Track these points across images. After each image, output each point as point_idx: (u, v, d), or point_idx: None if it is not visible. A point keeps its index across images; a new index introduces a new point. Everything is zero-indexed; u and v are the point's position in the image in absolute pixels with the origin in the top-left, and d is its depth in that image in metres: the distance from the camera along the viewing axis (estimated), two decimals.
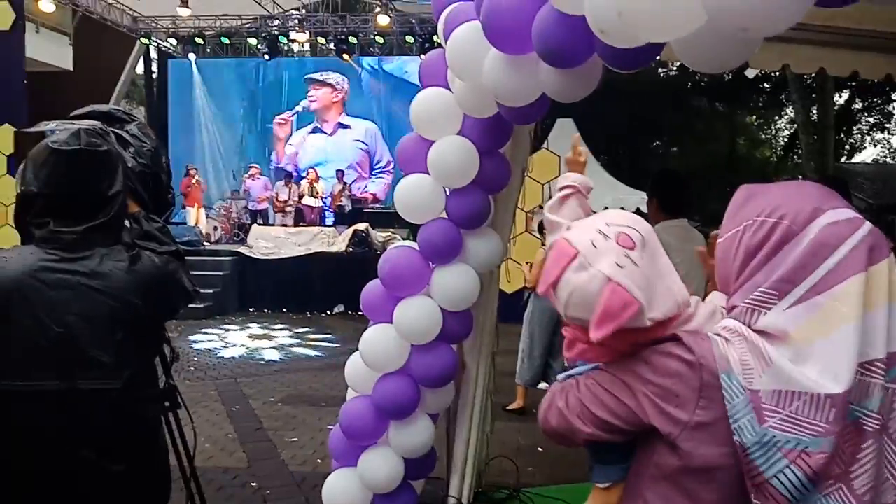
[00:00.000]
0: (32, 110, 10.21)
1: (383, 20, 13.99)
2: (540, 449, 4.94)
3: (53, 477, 1.74)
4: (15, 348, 1.73)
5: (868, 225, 1.08)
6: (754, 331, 1.09)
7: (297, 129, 17.07)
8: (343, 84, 16.64)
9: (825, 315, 1.04)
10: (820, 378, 1.03)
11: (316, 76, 16.77)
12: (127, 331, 1.79)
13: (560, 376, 1.35)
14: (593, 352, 1.23)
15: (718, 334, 1.12)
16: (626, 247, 1.17)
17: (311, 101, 16.82)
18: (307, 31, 15.77)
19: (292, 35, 16.18)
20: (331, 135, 16.90)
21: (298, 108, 16.88)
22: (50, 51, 14.80)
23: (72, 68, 15.50)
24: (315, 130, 17.01)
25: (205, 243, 12.90)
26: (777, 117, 24.56)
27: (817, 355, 1.04)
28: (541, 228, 6.47)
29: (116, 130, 2.07)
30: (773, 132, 26.16)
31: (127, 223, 1.99)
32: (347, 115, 16.81)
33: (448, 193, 3.28)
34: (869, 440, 1.04)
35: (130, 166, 2.03)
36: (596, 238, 1.18)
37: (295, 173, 15.80)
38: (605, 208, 12.24)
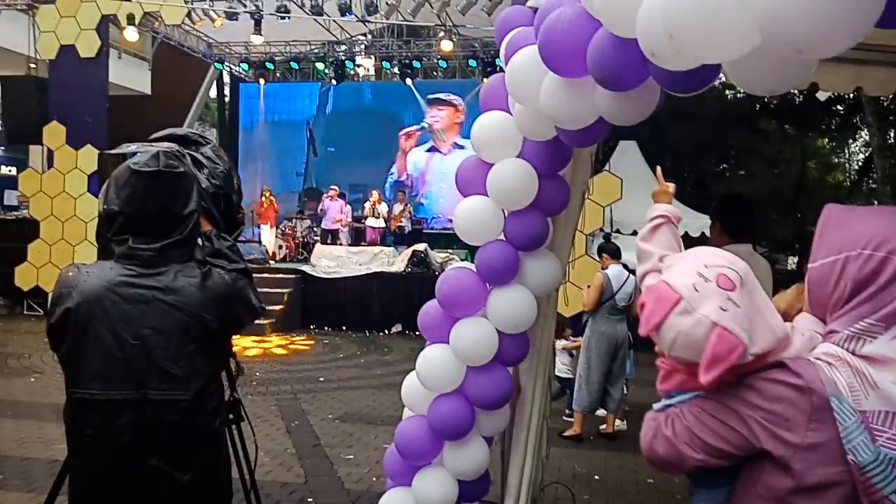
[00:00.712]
0: (112, 132, 10.78)
1: (447, 45, 14.21)
2: (597, 477, 4.85)
3: (124, 482, 1.82)
4: (93, 358, 1.82)
5: None
6: (857, 356, 1.14)
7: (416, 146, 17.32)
8: (462, 105, 16.81)
9: None
10: None
11: (442, 96, 16.90)
12: (197, 344, 1.87)
13: (656, 406, 1.41)
14: (694, 382, 1.25)
15: (820, 359, 1.16)
16: (727, 288, 1.21)
17: (435, 121, 16.99)
18: (373, 56, 16.15)
19: (358, 60, 16.59)
20: (446, 154, 17.06)
21: (424, 125, 17.10)
22: (130, 76, 15.62)
23: (150, 92, 16.30)
24: (431, 150, 17.23)
25: (270, 261, 13.26)
26: (851, 140, 23.64)
27: None
28: (600, 252, 6.40)
29: (192, 153, 2.17)
30: (847, 156, 25.16)
31: (199, 241, 2.09)
32: (462, 136, 16.88)
33: (506, 215, 3.30)
34: None
35: (204, 187, 2.13)
36: (697, 281, 1.22)
37: (410, 188, 16.06)
38: None
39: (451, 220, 14.86)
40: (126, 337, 1.82)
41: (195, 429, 1.87)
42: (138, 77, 16.23)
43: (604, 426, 5.91)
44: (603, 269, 6.03)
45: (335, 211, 14.95)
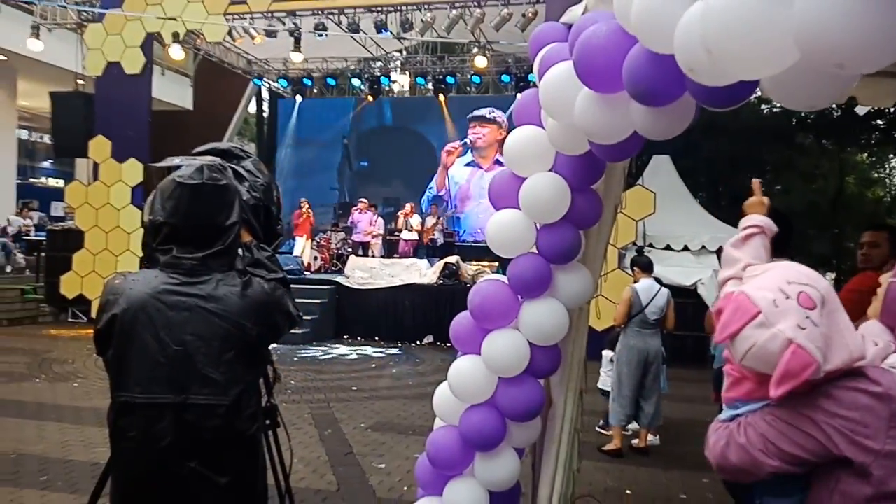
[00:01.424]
0: (155, 146, 11.08)
1: (481, 62, 14.30)
2: (628, 492, 4.80)
3: (164, 484, 1.88)
4: (137, 363, 1.89)
5: None
6: None
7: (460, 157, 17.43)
8: (505, 122, 16.90)
9: None
10: None
11: (485, 113, 17.00)
12: (237, 351, 1.93)
13: (722, 416, 1.42)
14: (763, 391, 1.28)
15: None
16: (807, 307, 1.23)
17: (477, 138, 17.10)
18: (408, 73, 16.33)
19: (393, 76, 16.79)
20: (486, 171, 17.14)
21: (466, 141, 17.24)
22: (173, 91, 16.04)
23: (191, 107, 16.70)
24: (471, 164, 17.34)
25: (305, 272, 13.45)
26: (892, 155, 23.08)
27: None
28: (632, 265, 6.36)
29: (233, 166, 2.25)
30: (888, 171, 24.55)
31: (239, 251, 2.17)
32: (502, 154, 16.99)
33: (538, 228, 3.32)
34: None
35: (245, 199, 2.20)
36: (777, 297, 1.25)
37: (447, 203, 16.24)
38: (702, 247, 11.78)
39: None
40: (169, 342, 1.88)
41: (233, 433, 1.92)
42: (180, 93, 16.66)
43: (636, 441, 5.86)
44: (634, 282, 5.98)
45: (365, 223, 15.13)
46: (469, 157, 17.27)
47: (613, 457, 5.55)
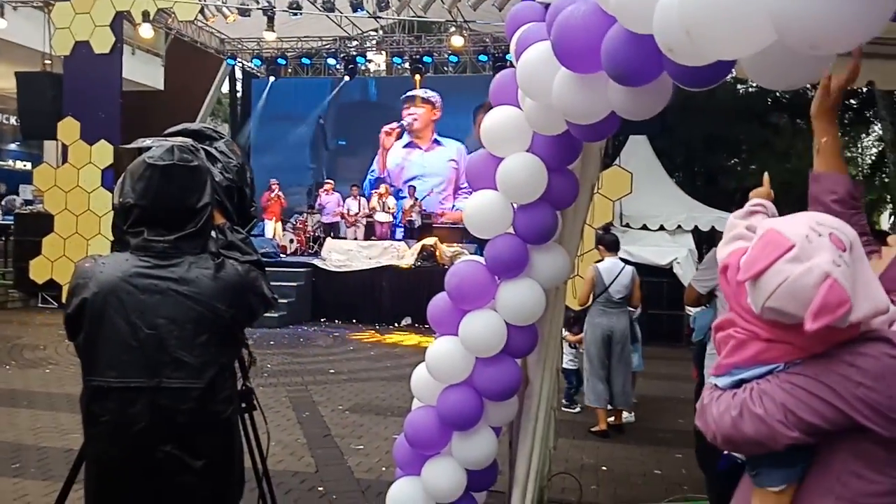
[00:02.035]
0: (125, 127, 10.87)
1: (458, 41, 14.18)
2: (604, 468, 4.88)
3: (139, 468, 1.86)
4: (109, 347, 1.87)
5: None
6: None
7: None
8: (439, 102, 16.91)
9: None
10: None
11: (419, 94, 16.98)
12: (210, 334, 1.91)
13: (722, 383, 1.34)
14: (776, 351, 1.24)
15: None
16: (839, 248, 1.19)
17: (413, 119, 17.13)
18: (384, 52, 16.16)
19: (369, 55, 16.62)
20: (426, 151, 17.20)
21: (403, 122, 17.24)
22: (143, 71, 15.72)
23: (163, 87, 16.39)
24: (409, 145, 17.35)
25: (281, 255, 13.35)
26: (864, 135, 23.45)
27: None
28: (597, 244, 6.38)
29: (206, 147, 2.21)
30: (860, 150, 24.97)
31: (213, 234, 2.14)
32: (439, 134, 17.07)
33: (515, 209, 3.33)
34: None
35: (217, 180, 2.17)
36: (811, 234, 1.20)
37: (392, 186, 16.22)
38: (678, 227, 11.88)
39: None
40: (141, 326, 1.86)
41: (208, 416, 1.91)
42: (151, 73, 16.32)
43: (611, 418, 5.93)
44: (599, 261, 5.98)
45: (333, 204, 15.02)
46: (407, 138, 17.30)
47: (601, 437, 5.60)
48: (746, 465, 1.36)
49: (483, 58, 15.48)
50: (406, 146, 17.35)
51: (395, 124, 17.24)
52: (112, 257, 1.98)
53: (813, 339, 1.18)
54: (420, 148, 17.26)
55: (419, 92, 16.94)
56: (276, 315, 10.71)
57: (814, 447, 1.25)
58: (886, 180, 17.28)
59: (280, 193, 15.09)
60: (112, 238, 2.09)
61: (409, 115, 17.11)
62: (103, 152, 11.15)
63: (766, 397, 1.23)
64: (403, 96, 17.10)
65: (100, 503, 1.92)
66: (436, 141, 17.07)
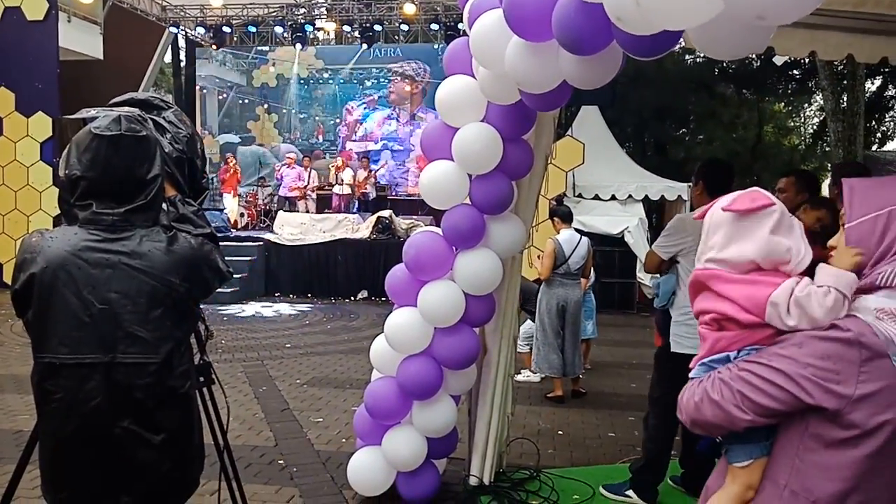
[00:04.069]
0: (64, 98, 10.43)
1: (409, 9, 13.98)
2: (560, 433, 5.00)
3: (96, 445, 1.84)
4: (61, 323, 1.83)
5: None
6: None
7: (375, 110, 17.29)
8: (425, 75, 16.51)
9: None
10: None
11: (397, 67, 16.71)
12: (165, 307, 1.88)
13: (694, 373, 1.45)
14: (726, 340, 1.36)
15: (876, 316, 1.23)
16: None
17: (390, 93, 16.92)
18: (333, 20, 15.84)
19: (318, 23, 16.26)
20: (404, 124, 17.01)
21: (376, 96, 17.06)
22: (81, 40, 15.03)
23: (102, 57, 15.74)
24: (390, 118, 17.19)
25: (232, 229, 13.11)
26: (806, 105, 24.12)
27: None
28: (551, 216, 6.46)
29: (154, 117, 2.15)
30: (802, 119, 25.70)
31: (164, 206, 2.09)
32: (427, 106, 16.62)
33: (472, 180, 3.34)
34: None
35: (167, 152, 2.12)
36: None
37: (355, 155, 16.09)
38: (629, 196, 12.09)
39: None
40: (92, 301, 1.82)
41: (166, 391, 1.89)
42: (89, 41, 15.61)
43: (575, 387, 6.04)
44: (557, 233, 6.06)
45: (292, 178, 14.79)
46: (391, 111, 17.24)
47: (557, 402, 5.72)
48: (723, 441, 1.45)
49: (435, 26, 15.31)
50: (388, 119, 17.18)
51: (355, 102, 17.08)
52: (60, 231, 1.92)
53: (753, 329, 1.31)
54: (398, 120, 17.08)
55: (396, 66, 16.66)
56: (228, 290, 10.56)
57: (776, 425, 1.33)
58: (828, 149, 17.86)
59: (237, 167, 14.79)
60: (56, 214, 2.03)
61: (389, 90, 16.92)
62: (41, 124, 10.71)
63: (724, 384, 1.32)
64: (386, 68, 16.82)
65: (56, 482, 1.89)
66: (415, 115, 16.84)
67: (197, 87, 17.72)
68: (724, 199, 1.44)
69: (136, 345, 1.83)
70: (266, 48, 17.31)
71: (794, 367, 1.24)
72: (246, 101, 18.20)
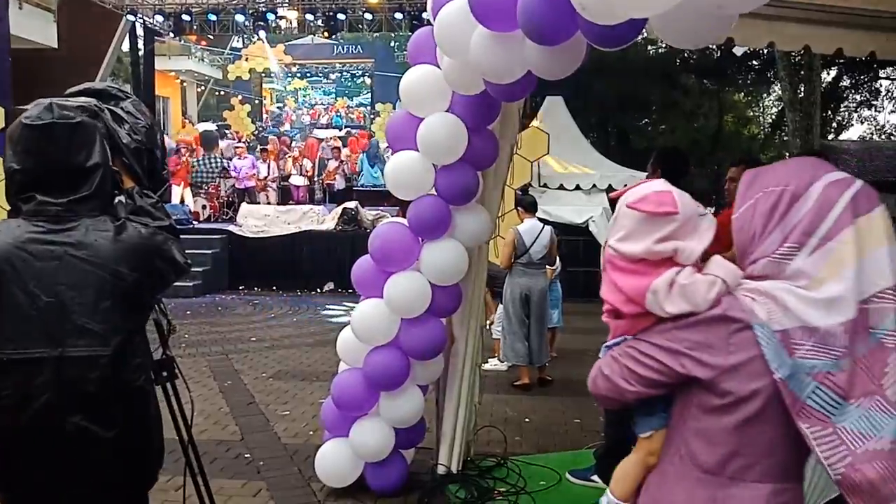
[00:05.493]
0: (16, 89, 10.10)
1: None
2: (527, 420, 5.06)
3: (47, 442, 1.79)
4: (7, 318, 1.78)
5: (858, 182, 1.30)
6: (781, 279, 1.31)
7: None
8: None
9: (837, 257, 1.26)
10: (830, 312, 1.24)
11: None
12: (114, 299, 1.83)
13: (600, 355, 1.60)
14: (624, 328, 1.49)
15: (744, 294, 1.33)
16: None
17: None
18: (296, 8, 15.62)
19: (280, 12, 16.01)
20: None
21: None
22: (33, 28, 14.57)
23: (56, 46, 15.29)
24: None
25: (194, 222, 12.88)
26: (765, 94, 24.60)
27: (832, 292, 1.25)
28: (516, 206, 6.50)
29: (111, 107, 2.09)
30: (761, 109, 26.21)
31: (122, 198, 2.04)
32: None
33: (437, 170, 3.33)
34: (892, 356, 1.24)
35: (125, 143, 2.07)
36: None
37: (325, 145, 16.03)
38: (593, 186, 12.22)
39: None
40: (39, 294, 1.78)
41: (119, 386, 1.85)
42: (42, 29, 15.12)
43: (542, 375, 6.10)
44: (521, 222, 6.11)
45: (247, 168, 14.54)
46: None
47: (524, 390, 5.77)
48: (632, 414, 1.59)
49: (399, 15, 15.21)
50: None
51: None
52: (4, 224, 1.88)
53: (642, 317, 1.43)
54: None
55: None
56: (190, 284, 10.39)
57: (669, 400, 1.44)
58: (786, 139, 18.26)
59: (188, 158, 14.47)
60: (8, 208, 1.97)
61: None
62: None
63: (614, 360, 1.46)
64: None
65: (9, 478, 1.85)
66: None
67: (178, 81, 18.40)
68: (634, 194, 1.50)
69: (85, 337, 1.79)
70: (239, 45, 17.63)
71: (672, 342, 1.36)
72: (222, 92, 19.70)
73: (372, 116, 20.76)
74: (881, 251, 1.25)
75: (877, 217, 1.27)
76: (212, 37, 17.19)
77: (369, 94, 21.59)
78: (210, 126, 18.61)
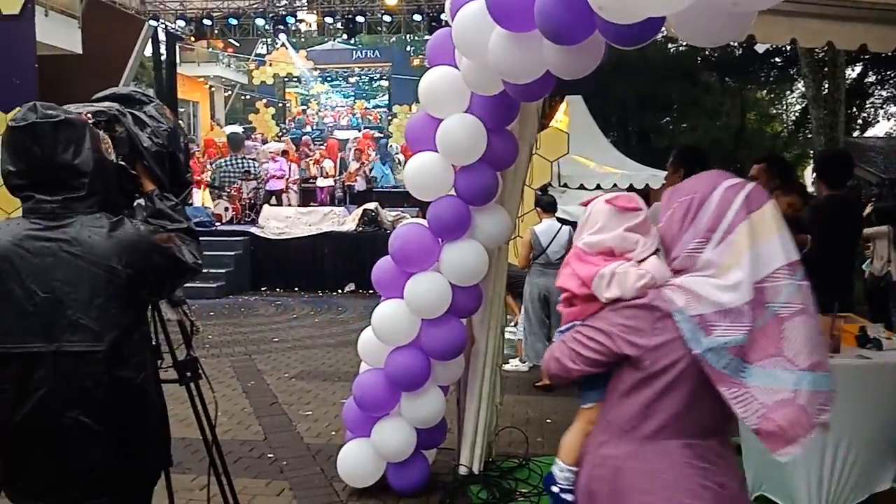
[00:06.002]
0: (43, 94, 10.26)
1: (392, 0, 13.90)
2: (549, 421, 5.04)
3: (45, 436, 1.82)
4: (4, 313, 1.82)
5: (751, 184, 1.58)
6: (693, 272, 1.58)
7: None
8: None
9: (737, 248, 1.52)
10: (736, 294, 1.50)
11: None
12: (108, 295, 1.85)
13: (555, 338, 1.85)
14: (574, 314, 1.74)
15: (668, 287, 1.60)
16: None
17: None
18: (315, 11, 15.72)
19: (300, 15, 16.13)
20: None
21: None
22: (59, 34, 14.82)
23: (81, 51, 15.54)
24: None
25: (216, 224, 13.02)
26: (788, 92, 24.26)
27: (735, 278, 1.51)
28: (535, 205, 6.48)
29: (134, 112, 2.13)
30: (785, 107, 25.86)
31: (142, 201, 2.07)
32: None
33: (456, 171, 3.34)
34: (786, 324, 1.49)
35: (146, 146, 2.10)
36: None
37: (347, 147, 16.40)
38: (614, 186, 12.17)
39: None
40: (36, 290, 1.81)
41: (117, 382, 1.86)
42: (67, 35, 15.38)
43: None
44: (540, 222, 6.10)
45: (275, 170, 14.67)
46: None
47: (546, 391, 5.74)
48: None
49: (418, 17, 15.24)
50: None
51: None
52: (4, 222, 1.94)
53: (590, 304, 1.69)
54: None
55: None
56: (213, 285, 10.50)
57: (608, 377, 1.69)
58: (810, 136, 18.01)
59: (200, 157, 14.68)
60: (8, 210, 2.02)
61: None
62: None
63: (562, 343, 1.72)
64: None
65: (10, 472, 1.88)
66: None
67: (207, 86, 19.43)
68: (608, 195, 1.77)
69: (80, 333, 1.81)
70: (264, 51, 18.25)
71: (609, 327, 1.62)
72: (247, 96, 20.68)
73: (389, 118, 21.39)
74: (773, 238, 1.51)
75: (767, 211, 1.53)
76: (238, 44, 17.60)
77: (386, 97, 22.21)
78: (237, 128, 19.30)
